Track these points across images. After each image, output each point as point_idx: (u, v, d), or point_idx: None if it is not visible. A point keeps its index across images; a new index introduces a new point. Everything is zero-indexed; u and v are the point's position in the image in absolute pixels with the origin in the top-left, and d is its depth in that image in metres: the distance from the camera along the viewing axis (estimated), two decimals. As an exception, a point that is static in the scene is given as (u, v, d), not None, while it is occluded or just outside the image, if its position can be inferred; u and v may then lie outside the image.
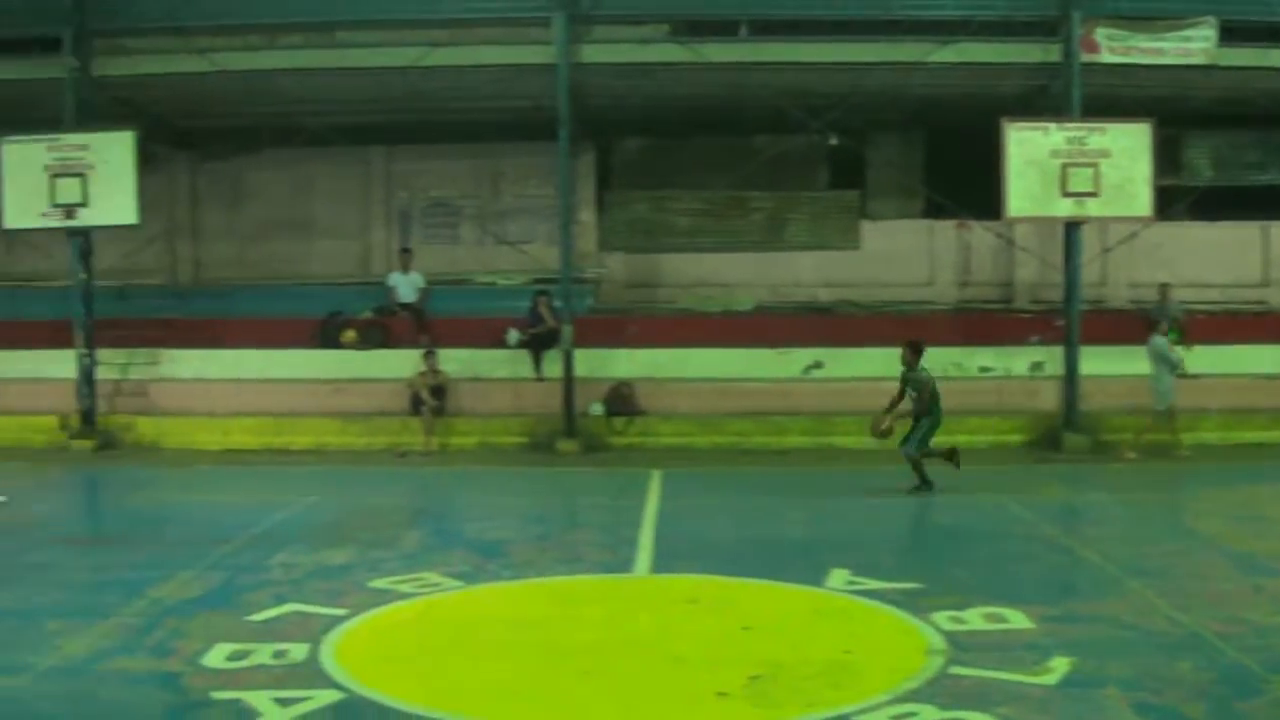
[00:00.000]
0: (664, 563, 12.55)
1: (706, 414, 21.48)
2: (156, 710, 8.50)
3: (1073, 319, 21.34)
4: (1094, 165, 20.47)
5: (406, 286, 23.21)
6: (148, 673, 9.18)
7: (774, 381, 22.00)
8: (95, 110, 21.32)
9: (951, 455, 16.62)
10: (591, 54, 21.21)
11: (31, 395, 21.79)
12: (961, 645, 9.20)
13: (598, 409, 21.43)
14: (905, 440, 16.46)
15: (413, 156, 25.90)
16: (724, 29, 22.02)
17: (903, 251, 25.36)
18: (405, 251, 23.99)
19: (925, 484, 16.29)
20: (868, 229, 24.70)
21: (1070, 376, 21.26)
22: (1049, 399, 21.74)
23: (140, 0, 21.22)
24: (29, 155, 20.66)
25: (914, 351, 16.62)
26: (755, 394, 21.85)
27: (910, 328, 19.47)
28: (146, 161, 21.67)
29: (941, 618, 9.91)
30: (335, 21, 21.64)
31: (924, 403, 16.30)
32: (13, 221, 21.05)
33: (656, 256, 25.30)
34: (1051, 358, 21.90)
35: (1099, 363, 21.08)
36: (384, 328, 22.83)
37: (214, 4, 21.07)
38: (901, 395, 16.63)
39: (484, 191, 25.82)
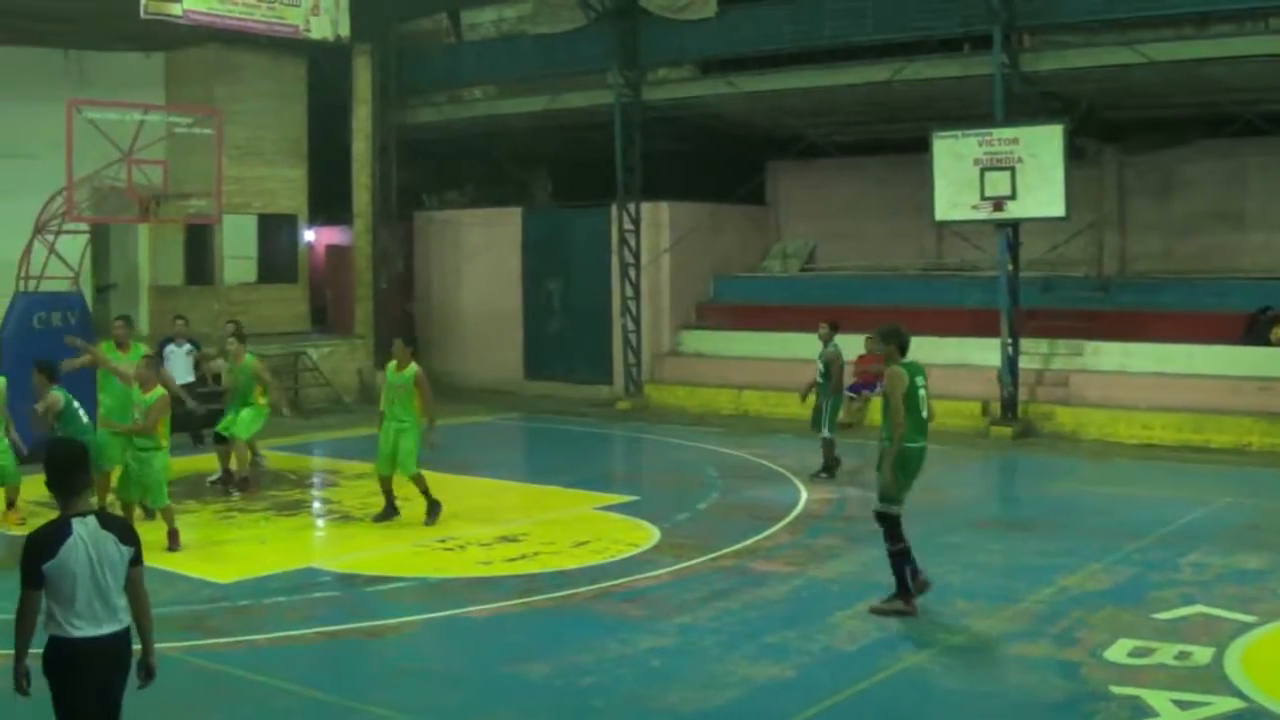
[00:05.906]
0: None
1: None
2: (1054, 697, 8.71)
3: None
4: None
5: (1335, 282, 21.75)
6: (1048, 659, 9.43)
7: None
8: (1024, 104, 21.87)
9: None
10: None
11: (955, 380, 22.58)
12: None
13: None
14: None
15: (1345, 146, 24.13)
16: None
17: None
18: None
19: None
20: None
21: None
22: None
23: (1067, -5, 21.49)
24: (959, 149, 21.57)
25: None
26: None
27: None
28: (1074, 154, 21.93)
29: None
30: (1270, 7, 20.62)
31: None
32: (943, 214, 22.11)
33: None
34: None
35: None
36: (1320, 326, 21.51)
37: (1143, -7, 20.88)
38: None
39: None
